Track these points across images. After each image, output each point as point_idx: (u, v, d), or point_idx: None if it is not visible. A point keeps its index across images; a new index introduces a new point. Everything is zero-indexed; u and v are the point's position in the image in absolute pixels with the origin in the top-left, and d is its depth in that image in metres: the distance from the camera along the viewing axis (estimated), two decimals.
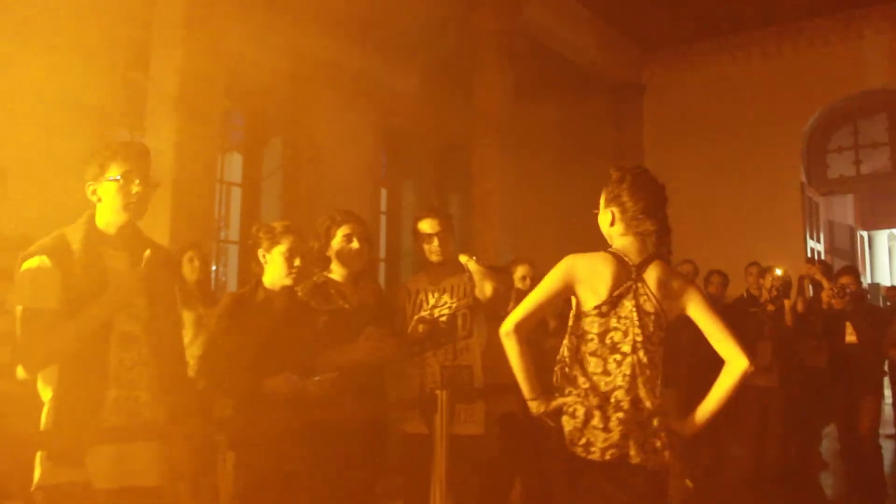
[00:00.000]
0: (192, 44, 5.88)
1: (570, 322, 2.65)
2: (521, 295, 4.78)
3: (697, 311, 2.65)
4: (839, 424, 6.16)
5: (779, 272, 6.39)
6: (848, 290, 5.88)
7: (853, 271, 6.35)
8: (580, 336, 2.59)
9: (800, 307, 6.48)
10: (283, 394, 3.03)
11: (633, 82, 11.50)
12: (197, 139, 5.88)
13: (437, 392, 3.14)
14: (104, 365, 2.47)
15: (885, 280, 15.56)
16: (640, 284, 2.58)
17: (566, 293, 2.60)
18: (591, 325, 2.57)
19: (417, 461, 3.35)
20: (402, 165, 11.52)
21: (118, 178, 2.55)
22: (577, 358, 2.59)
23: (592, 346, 2.56)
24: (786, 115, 10.44)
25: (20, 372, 2.43)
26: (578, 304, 2.60)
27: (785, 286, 6.39)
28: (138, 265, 2.56)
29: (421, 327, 3.49)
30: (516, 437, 4.33)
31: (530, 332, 4.67)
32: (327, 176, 9.02)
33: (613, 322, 2.56)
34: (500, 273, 4.54)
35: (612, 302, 2.55)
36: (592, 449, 2.49)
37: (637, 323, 2.55)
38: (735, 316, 6.16)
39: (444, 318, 3.55)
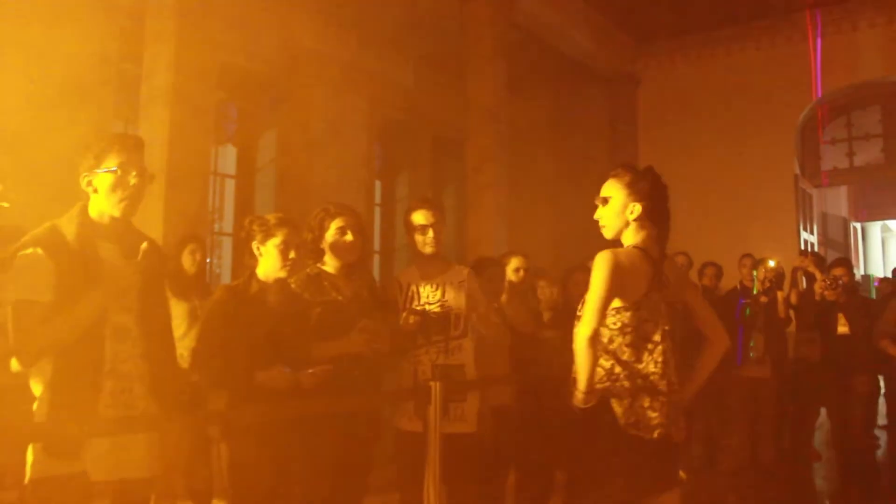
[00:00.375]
0: (185, 35, 5.86)
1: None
2: (515, 287, 4.80)
3: (693, 299, 2.98)
4: (832, 416, 6.20)
5: (772, 264, 6.41)
6: (840, 282, 5.90)
7: (846, 263, 6.37)
8: (618, 329, 2.72)
9: (793, 299, 6.51)
10: (277, 386, 3.03)
11: (628, 74, 11.49)
12: (190, 131, 5.87)
13: (431, 383, 3.14)
14: (100, 357, 2.47)
15: (877, 271, 15.61)
16: (663, 278, 2.79)
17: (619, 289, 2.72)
18: (629, 318, 2.72)
19: (412, 458, 3.36)
20: (396, 158, 11.51)
21: (115, 169, 2.55)
22: (611, 349, 2.72)
23: (629, 338, 2.71)
24: (780, 106, 10.46)
25: (14, 364, 2.43)
26: (616, 298, 2.72)
27: (778, 278, 6.41)
28: (131, 257, 2.56)
29: (412, 319, 3.48)
30: (509, 429, 4.34)
31: (524, 325, 4.70)
32: (321, 168, 9.01)
33: (644, 314, 2.72)
34: (491, 266, 4.54)
35: (647, 295, 2.72)
36: (642, 427, 2.67)
37: (664, 313, 2.76)
38: (728, 307, 6.19)
39: (434, 310, 3.54)
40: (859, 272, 14.11)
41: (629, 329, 2.71)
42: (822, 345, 6.04)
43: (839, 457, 6.18)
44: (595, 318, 2.65)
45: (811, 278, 6.55)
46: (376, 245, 10.83)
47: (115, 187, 2.55)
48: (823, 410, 6.58)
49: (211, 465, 3.54)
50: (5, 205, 3.77)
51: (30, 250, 2.42)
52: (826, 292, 5.91)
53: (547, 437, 4.71)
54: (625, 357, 2.70)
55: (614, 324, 2.71)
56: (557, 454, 5.05)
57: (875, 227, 16.57)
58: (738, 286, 6.80)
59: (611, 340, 2.72)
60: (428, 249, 3.64)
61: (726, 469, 6.44)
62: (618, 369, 2.71)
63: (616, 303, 2.72)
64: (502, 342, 4.28)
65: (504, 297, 4.65)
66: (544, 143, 11.76)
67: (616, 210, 2.83)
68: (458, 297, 3.65)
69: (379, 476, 3.67)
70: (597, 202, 2.89)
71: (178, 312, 4.91)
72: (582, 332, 2.66)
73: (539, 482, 4.81)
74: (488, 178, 8.49)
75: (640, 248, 2.77)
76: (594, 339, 2.65)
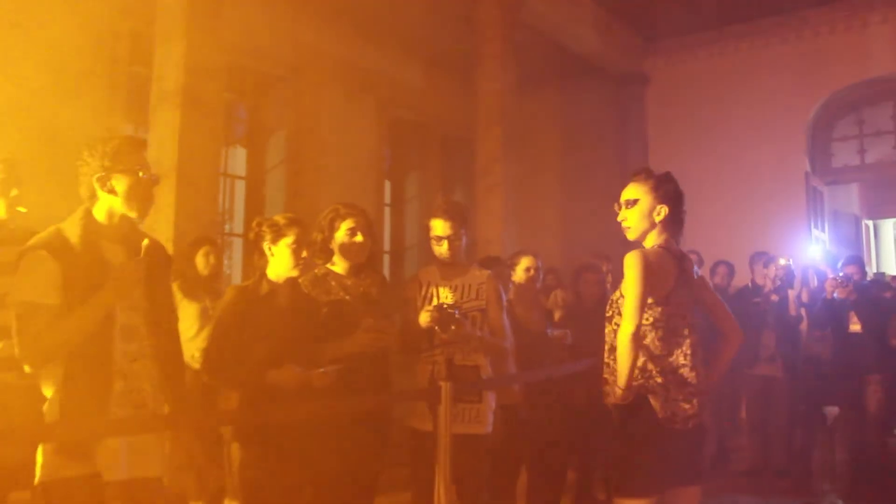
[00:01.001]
0: (194, 37, 5.88)
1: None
2: (522, 289, 4.79)
3: (707, 294, 3.09)
4: (844, 414, 6.16)
5: (783, 262, 6.39)
6: (852, 280, 5.87)
7: (857, 261, 6.35)
8: (650, 325, 2.87)
9: (804, 297, 6.47)
10: (288, 386, 3.04)
11: (637, 72, 11.45)
12: (200, 133, 5.88)
13: (441, 383, 3.15)
14: (109, 358, 2.48)
15: (890, 269, 15.50)
16: (688, 274, 2.95)
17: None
18: (660, 314, 2.87)
19: (424, 457, 3.36)
20: (405, 158, 11.52)
21: (137, 168, 2.57)
22: (644, 344, 2.86)
23: (660, 332, 2.87)
24: (790, 104, 10.40)
25: (27, 367, 2.44)
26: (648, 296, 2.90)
27: (789, 276, 6.38)
28: (135, 256, 2.57)
29: (429, 316, 3.46)
30: (520, 429, 4.34)
31: (535, 325, 4.69)
32: (331, 168, 9.03)
33: (673, 309, 2.88)
34: (496, 265, 4.53)
35: (674, 291, 2.88)
36: (678, 419, 2.81)
37: (690, 308, 2.93)
38: (739, 305, 6.16)
39: (450, 306, 3.52)
40: (872, 270, 14.01)
41: (660, 324, 2.86)
42: (834, 343, 6.01)
43: (851, 456, 6.15)
44: (636, 316, 2.79)
45: (822, 276, 6.52)
46: (386, 245, 10.84)
47: (134, 187, 2.57)
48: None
49: (223, 466, 3.55)
50: (22, 209, 3.79)
51: (35, 254, 2.43)
52: (837, 290, 5.88)
53: (558, 437, 4.72)
54: (657, 352, 2.85)
55: (646, 319, 2.85)
56: (569, 453, 5.05)
57: (888, 224, 16.44)
58: (750, 284, 6.78)
59: (643, 336, 2.85)
60: (443, 258, 3.65)
61: (738, 469, 6.42)
62: (650, 365, 2.84)
63: (647, 299, 2.86)
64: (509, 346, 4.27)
65: (512, 296, 4.65)
66: (553, 142, 11.75)
67: (643, 212, 2.97)
68: (476, 300, 3.65)
69: (391, 476, 3.68)
70: (620, 204, 3.02)
71: (190, 313, 4.93)
72: (625, 330, 2.79)
73: (551, 482, 4.80)
74: (497, 178, 8.49)
75: (664, 248, 2.93)
76: (636, 336, 2.78)
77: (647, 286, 2.81)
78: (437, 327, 3.43)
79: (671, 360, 2.85)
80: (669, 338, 2.86)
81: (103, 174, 2.55)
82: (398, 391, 3.75)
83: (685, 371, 2.84)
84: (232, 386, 3.21)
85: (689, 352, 2.86)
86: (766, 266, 6.57)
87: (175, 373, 2.71)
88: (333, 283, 3.45)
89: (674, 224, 2.97)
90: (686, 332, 2.88)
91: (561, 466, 4.92)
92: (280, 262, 3.25)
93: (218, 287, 5.27)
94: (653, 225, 2.96)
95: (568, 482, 5.08)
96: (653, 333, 2.86)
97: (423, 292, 3.67)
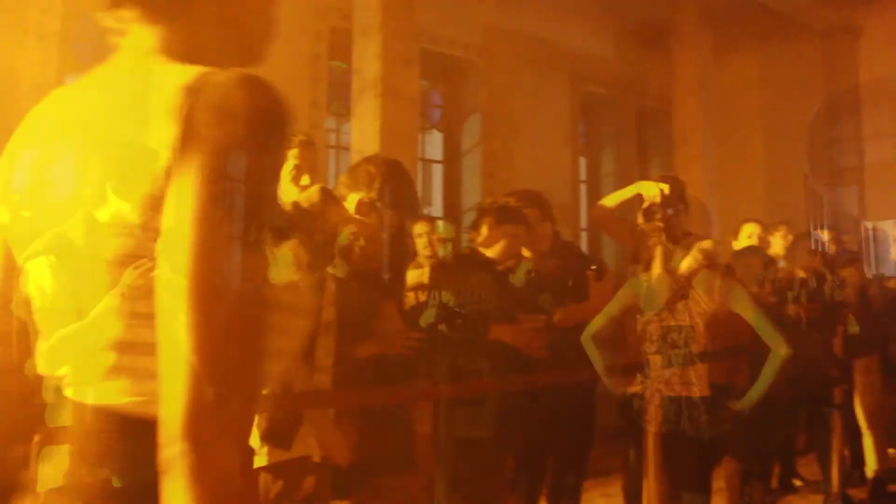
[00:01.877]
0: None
1: (639, 329, 3.35)
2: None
3: (741, 307, 3.33)
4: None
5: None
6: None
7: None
8: (647, 338, 3.28)
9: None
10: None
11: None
12: None
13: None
14: None
15: (890, 271, 15.47)
16: (690, 291, 3.24)
17: (631, 307, 3.35)
18: (654, 329, 3.24)
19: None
20: (600, 132, 11.29)
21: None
22: (647, 357, 3.26)
23: (655, 346, 3.23)
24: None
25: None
26: (642, 313, 3.32)
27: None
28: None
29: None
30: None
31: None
32: (525, 148, 9.05)
33: (671, 323, 3.21)
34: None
35: (669, 308, 3.19)
36: (652, 422, 3.15)
37: (689, 323, 3.19)
38: None
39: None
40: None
41: (655, 337, 3.22)
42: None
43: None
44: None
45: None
46: (583, 223, 10.35)
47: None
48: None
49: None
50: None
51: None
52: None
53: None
54: (657, 364, 3.20)
55: (647, 334, 3.27)
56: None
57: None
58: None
59: (646, 350, 3.25)
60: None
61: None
62: (647, 370, 3.23)
63: (644, 316, 3.29)
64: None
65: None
66: (752, 108, 11.08)
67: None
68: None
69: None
70: None
71: None
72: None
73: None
74: (696, 149, 8.43)
75: (666, 268, 3.32)
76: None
77: (618, 307, 3.33)
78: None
79: (669, 370, 3.13)
80: (668, 351, 3.16)
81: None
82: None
83: (675, 380, 3.13)
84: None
85: (681, 362, 3.13)
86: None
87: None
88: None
89: (671, 241, 3.42)
90: (682, 342, 3.15)
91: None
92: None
93: None
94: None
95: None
96: (650, 347, 3.22)
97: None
